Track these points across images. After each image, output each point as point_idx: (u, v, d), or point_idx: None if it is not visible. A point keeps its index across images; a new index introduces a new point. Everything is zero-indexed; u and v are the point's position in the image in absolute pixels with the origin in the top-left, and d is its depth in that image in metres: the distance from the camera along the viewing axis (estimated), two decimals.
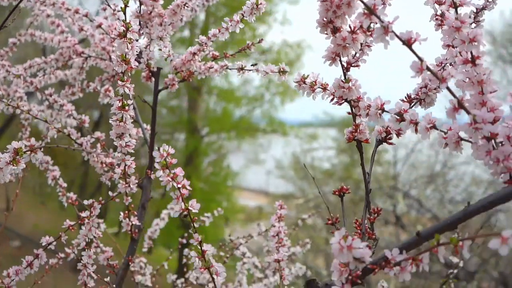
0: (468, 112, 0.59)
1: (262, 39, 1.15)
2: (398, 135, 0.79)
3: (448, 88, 0.58)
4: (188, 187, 0.72)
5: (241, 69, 1.07)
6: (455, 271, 1.22)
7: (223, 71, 1.10)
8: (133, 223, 1.08)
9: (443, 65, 0.81)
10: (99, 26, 1.12)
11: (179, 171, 0.72)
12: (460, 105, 0.59)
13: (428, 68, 0.58)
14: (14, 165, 0.75)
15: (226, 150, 12.29)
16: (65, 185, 1.19)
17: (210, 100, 12.25)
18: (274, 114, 11.81)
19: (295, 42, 10.59)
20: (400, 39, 0.58)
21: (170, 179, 0.72)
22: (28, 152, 0.75)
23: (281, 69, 0.98)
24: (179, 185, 0.72)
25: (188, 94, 11.66)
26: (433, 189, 6.93)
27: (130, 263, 1.12)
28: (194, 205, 0.73)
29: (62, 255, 1.27)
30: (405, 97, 0.80)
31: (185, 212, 0.73)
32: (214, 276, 0.75)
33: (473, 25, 0.85)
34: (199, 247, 0.75)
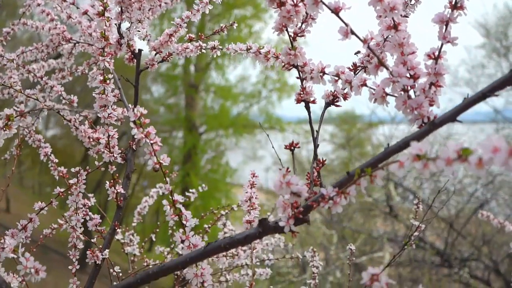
0: (387, 68, 0.70)
1: (234, 22, 1.25)
2: (344, 98, 0.90)
3: (369, 48, 0.69)
4: (160, 143, 0.83)
5: (213, 48, 1.18)
6: (416, 233, 1.33)
7: (198, 51, 1.21)
8: (118, 191, 1.19)
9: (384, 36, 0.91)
10: (85, 13, 1.22)
11: (152, 129, 0.83)
12: (380, 62, 0.70)
13: (352, 32, 0.69)
14: (7, 129, 0.86)
15: (224, 147, 12.38)
16: (56, 160, 1.29)
17: (207, 97, 12.35)
18: (271, 111, 11.92)
19: None
20: (329, 8, 0.69)
21: (144, 136, 0.82)
22: (18, 117, 0.86)
23: (248, 47, 1.08)
24: (152, 142, 0.82)
25: (185, 92, 11.76)
26: (427, 179, 7.05)
27: (116, 228, 1.22)
28: (165, 159, 0.84)
29: (55, 225, 1.38)
30: (351, 65, 0.91)
31: (157, 166, 0.84)
32: (184, 222, 0.85)
33: (413, 1, 0.96)
34: (170, 197, 0.86)
